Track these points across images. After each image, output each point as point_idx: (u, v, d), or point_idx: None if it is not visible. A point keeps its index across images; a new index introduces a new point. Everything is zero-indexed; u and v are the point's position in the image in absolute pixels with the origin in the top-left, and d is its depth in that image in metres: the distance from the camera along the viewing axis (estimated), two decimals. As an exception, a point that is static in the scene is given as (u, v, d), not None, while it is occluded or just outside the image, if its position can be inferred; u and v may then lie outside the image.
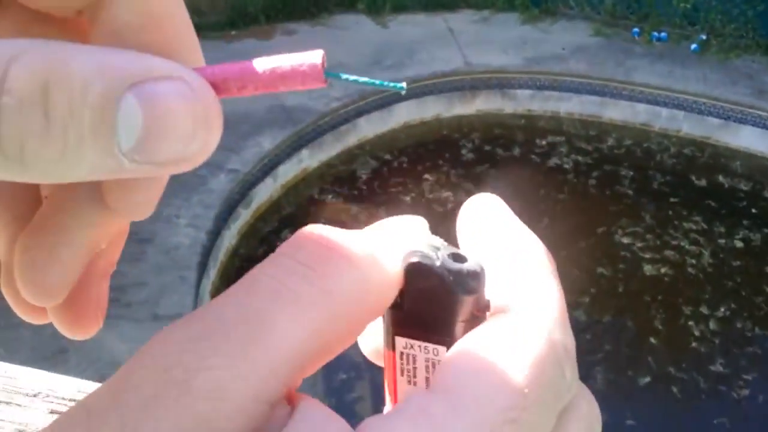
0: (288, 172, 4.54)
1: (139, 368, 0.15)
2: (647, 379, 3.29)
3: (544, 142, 4.96)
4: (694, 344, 3.47)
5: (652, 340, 3.50)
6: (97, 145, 0.16)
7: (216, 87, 0.19)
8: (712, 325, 3.55)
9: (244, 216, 4.21)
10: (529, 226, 0.22)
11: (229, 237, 4.04)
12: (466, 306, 0.19)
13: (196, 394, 0.15)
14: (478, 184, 4.50)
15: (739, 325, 3.57)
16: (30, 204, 0.23)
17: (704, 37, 5.47)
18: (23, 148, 0.15)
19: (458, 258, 0.19)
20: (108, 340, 2.83)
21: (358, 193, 4.55)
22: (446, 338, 0.20)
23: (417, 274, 0.19)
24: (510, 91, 5.21)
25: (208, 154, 0.18)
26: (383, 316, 0.21)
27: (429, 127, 5.11)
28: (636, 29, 5.64)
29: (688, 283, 3.83)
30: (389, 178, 4.66)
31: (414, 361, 0.21)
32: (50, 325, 0.24)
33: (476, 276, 0.19)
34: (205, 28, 5.64)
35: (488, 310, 0.20)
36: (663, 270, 3.87)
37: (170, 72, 0.17)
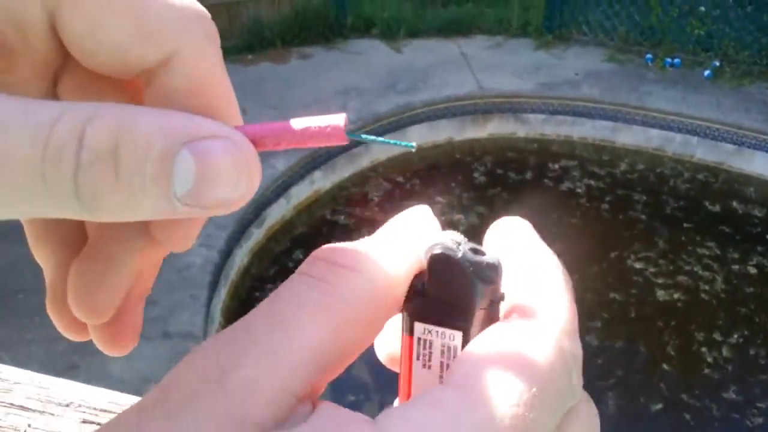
0: (301, 193, 4.58)
1: (182, 371, 0.18)
2: (659, 406, 3.25)
3: (556, 166, 4.97)
4: (707, 371, 3.43)
5: (665, 366, 3.46)
6: (157, 192, 0.19)
7: (254, 143, 0.22)
8: (725, 351, 3.51)
9: (256, 236, 4.24)
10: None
11: (241, 256, 4.06)
12: (484, 295, 0.21)
13: (230, 389, 0.17)
14: (490, 207, 4.51)
15: (752, 352, 3.52)
16: (77, 233, 0.26)
17: (718, 63, 5.47)
18: (95, 196, 0.18)
19: (477, 252, 0.22)
20: (117, 358, 2.84)
21: (370, 215, 4.57)
22: (463, 324, 0.22)
23: (440, 263, 0.21)
24: (523, 116, 5.23)
25: (249, 198, 0.21)
26: (403, 305, 0.22)
27: (441, 150, 5.14)
28: (649, 55, 5.66)
29: (701, 309, 3.79)
30: (401, 200, 4.67)
31: (430, 346, 0.22)
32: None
33: (494, 268, 0.21)
34: (222, 51, 5.73)
35: (503, 300, 0.22)
36: (676, 295, 3.84)
37: (217, 131, 0.20)
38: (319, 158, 4.66)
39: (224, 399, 0.17)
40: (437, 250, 0.21)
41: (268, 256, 4.24)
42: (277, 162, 4.50)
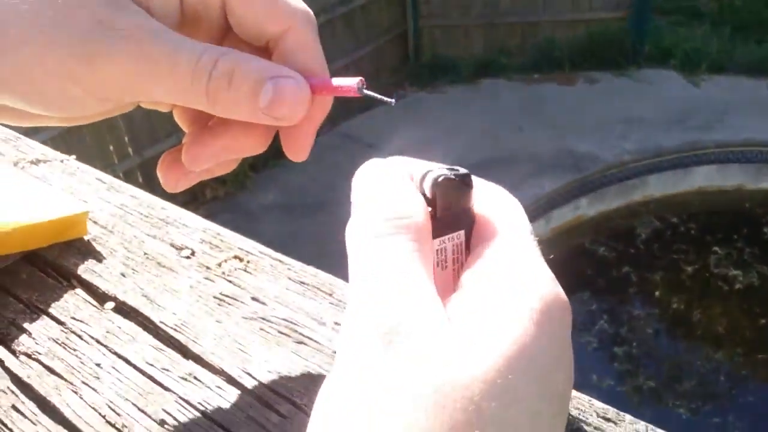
0: (562, 216, 4.49)
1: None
2: None
3: None
4: None
5: None
6: (249, 102, 0.32)
7: (312, 88, 0.34)
8: None
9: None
10: None
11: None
12: (471, 196, 0.29)
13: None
14: (776, 269, 3.99)
15: None
16: (206, 118, 0.40)
17: None
18: (216, 96, 0.32)
19: (453, 169, 0.29)
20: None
21: (633, 252, 4.32)
22: (465, 224, 0.29)
23: (441, 186, 0.28)
24: (837, 172, 4.54)
25: (301, 117, 0.34)
26: None
27: (728, 197, 4.66)
28: None
29: None
30: (671, 243, 4.35)
31: (445, 252, 0.29)
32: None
33: (470, 175, 0.29)
34: (509, 69, 5.83)
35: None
36: None
37: (291, 74, 0.33)
38: (589, 184, 4.52)
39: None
40: (439, 178, 0.28)
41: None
42: (544, 182, 4.46)
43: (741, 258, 4.15)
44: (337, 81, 0.34)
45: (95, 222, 0.56)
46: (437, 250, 0.29)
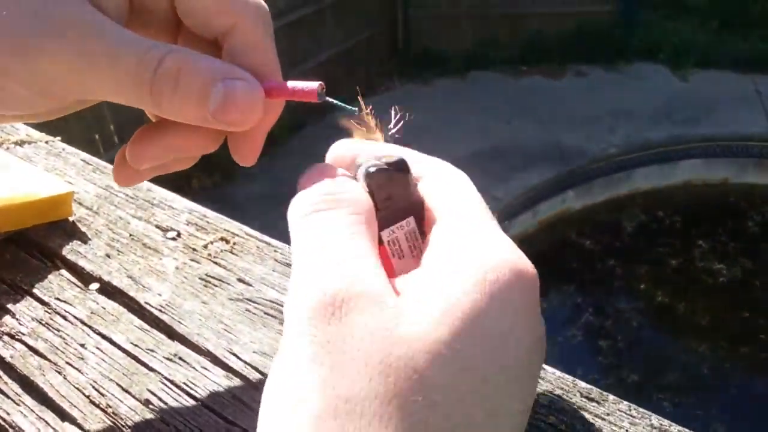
0: (549, 209, 4.50)
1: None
2: None
3: None
4: None
5: None
6: (197, 104, 0.30)
7: (266, 92, 0.31)
8: None
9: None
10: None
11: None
12: (410, 181, 0.29)
13: None
14: (758, 261, 4.03)
15: None
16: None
17: None
18: (161, 97, 0.29)
19: (387, 156, 0.29)
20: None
21: (619, 245, 4.35)
22: (411, 209, 0.29)
23: (377, 176, 0.28)
24: (821, 167, 4.59)
25: (251, 123, 0.31)
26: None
27: (714, 190, 4.70)
28: None
29: None
30: (657, 236, 4.38)
31: (398, 242, 0.29)
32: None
33: (404, 161, 0.29)
34: (498, 61, 5.83)
35: (417, 182, 0.30)
36: None
37: (243, 76, 0.31)
38: (576, 177, 4.55)
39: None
40: (370, 168, 0.28)
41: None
42: (531, 174, 4.48)
43: (726, 252, 4.18)
44: (293, 84, 0.32)
45: (80, 203, 0.55)
46: (388, 241, 0.29)
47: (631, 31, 5.85)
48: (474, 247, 0.26)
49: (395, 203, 0.29)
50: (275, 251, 0.50)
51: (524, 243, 4.36)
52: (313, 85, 0.31)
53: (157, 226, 0.53)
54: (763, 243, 4.24)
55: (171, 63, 0.29)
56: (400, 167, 0.29)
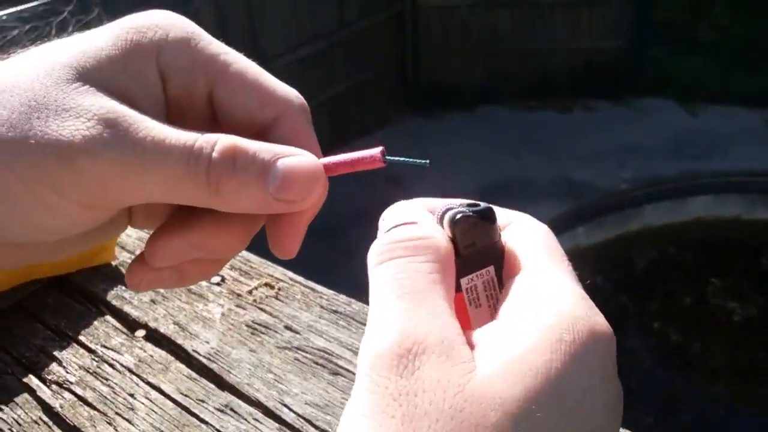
0: (560, 245, 4.48)
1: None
2: None
3: None
4: None
5: None
6: (257, 186, 0.28)
7: (328, 167, 0.30)
8: None
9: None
10: None
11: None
12: (495, 230, 0.28)
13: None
14: (773, 300, 3.99)
15: None
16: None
17: None
18: (219, 183, 0.28)
19: (474, 205, 0.28)
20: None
21: (632, 282, 4.32)
22: (492, 258, 0.28)
23: (462, 222, 0.28)
24: (833, 204, 4.56)
25: (314, 200, 0.30)
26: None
27: (726, 227, 4.68)
28: None
29: None
30: (669, 273, 4.35)
31: (476, 290, 0.28)
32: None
33: (491, 210, 0.28)
34: (507, 96, 5.87)
35: (502, 232, 0.29)
36: None
37: (300, 152, 0.30)
38: (586, 213, 4.54)
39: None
40: (457, 214, 0.28)
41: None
42: (541, 209, 4.47)
43: (739, 290, 4.15)
44: (352, 155, 0.30)
45: (123, 247, 0.55)
46: (467, 289, 0.28)
47: (641, 67, 5.89)
48: (552, 304, 0.25)
49: (478, 251, 0.28)
50: (321, 297, 0.49)
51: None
52: (375, 150, 0.30)
53: (201, 271, 0.52)
54: (777, 280, 4.20)
55: (227, 145, 0.28)
56: (487, 216, 0.28)
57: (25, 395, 0.43)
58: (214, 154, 0.28)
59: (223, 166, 0.28)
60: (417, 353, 0.24)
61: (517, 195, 4.60)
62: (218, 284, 0.51)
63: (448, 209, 0.29)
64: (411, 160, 0.31)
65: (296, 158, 0.29)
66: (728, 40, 6.01)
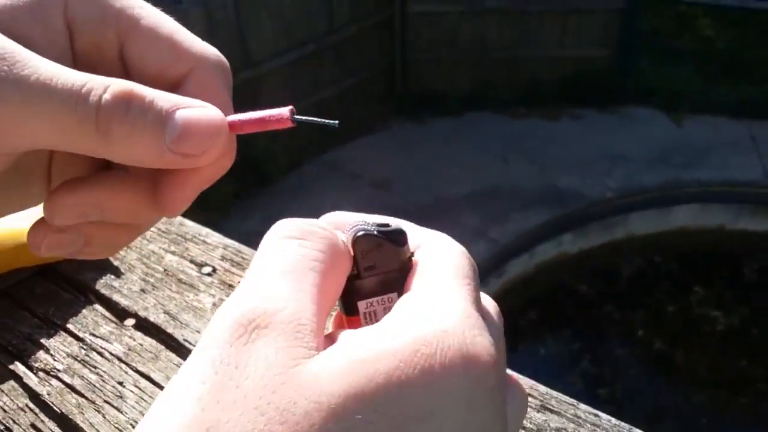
0: (546, 252, 4.50)
1: None
2: None
3: None
4: None
5: None
6: (152, 135, 0.26)
7: (234, 125, 0.29)
8: None
9: (493, 285, 4.25)
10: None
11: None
12: (403, 254, 0.26)
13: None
14: (756, 310, 4.03)
15: None
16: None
17: None
18: (109, 127, 0.26)
19: (385, 225, 0.27)
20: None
21: (616, 290, 4.34)
22: (397, 284, 0.26)
23: (364, 241, 0.26)
24: (815, 215, 4.62)
25: (212, 157, 0.28)
26: (340, 296, 0.26)
27: (710, 236, 4.72)
28: None
29: None
30: (654, 282, 4.37)
31: (375, 315, 0.27)
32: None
33: (402, 232, 0.26)
34: (495, 103, 5.89)
35: (412, 256, 0.27)
36: None
37: (203, 104, 0.28)
38: (573, 221, 4.56)
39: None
40: (359, 232, 0.26)
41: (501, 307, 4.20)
42: (528, 216, 4.49)
43: (722, 300, 4.18)
44: (262, 113, 0.29)
45: (112, 236, 0.54)
46: (365, 314, 0.27)
47: (626, 76, 5.94)
48: (426, 318, 0.23)
49: (381, 274, 0.26)
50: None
51: (521, 286, 4.36)
52: (285, 109, 0.28)
53: (192, 261, 0.52)
54: (760, 291, 4.24)
55: (119, 89, 0.26)
56: (394, 238, 0.26)
57: (12, 382, 0.42)
58: (106, 96, 0.26)
59: (115, 109, 0.26)
60: (259, 326, 0.22)
61: (505, 201, 4.61)
62: (209, 275, 0.50)
63: (355, 226, 0.27)
64: (320, 120, 0.29)
65: (198, 110, 0.27)
66: (713, 51, 6.08)
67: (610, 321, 4.11)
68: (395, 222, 0.28)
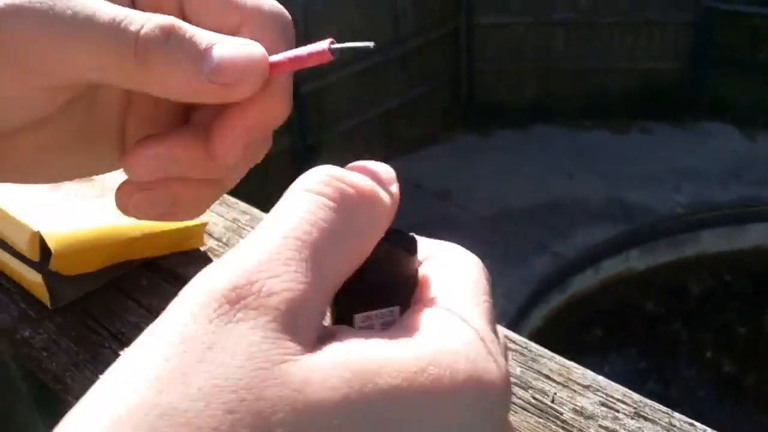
0: (611, 267, 4.41)
1: None
2: None
3: None
4: None
5: None
6: (191, 62, 0.26)
7: (274, 64, 0.28)
8: None
9: (556, 300, 4.19)
10: None
11: (535, 319, 4.03)
12: (411, 264, 0.24)
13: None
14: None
15: None
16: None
17: None
18: (147, 54, 0.26)
19: (396, 231, 0.24)
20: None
21: (684, 309, 4.21)
22: (398, 299, 0.24)
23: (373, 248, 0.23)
24: None
25: (254, 89, 0.27)
26: (333, 304, 0.23)
27: (785, 256, 4.53)
28: None
29: None
30: (725, 302, 4.22)
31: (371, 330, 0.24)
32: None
33: (413, 240, 0.24)
34: (561, 115, 5.82)
35: (419, 267, 0.25)
36: None
37: (244, 41, 0.27)
38: (640, 236, 4.45)
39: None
40: None
41: (562, 326, 4.14)
42: (593, 231, 4.41)
43: (799, 320, 4.01)
44: (302, 49, 0.28)
45: (210, 234, 0.57)
46: (360, 328, 0.24)
47: (699, 90, 5.77)
48: (439, 336, 0.21)
49: (385, 284, 0.24)
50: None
51: (586, 302, 4.27)
52: (323, 43, 0.27)
53: (286, 260, 0.54)
54: (840, 313, 4.04)
55: (160, 21, 0.26)
56: (404, 245, 0.24)
57: (123, 368, 0.44)
58: (146, 27, 0.26)
59: (154, 39, 0.26)
60: (247, 305, 0.19)
61: (570, 215, 4.54)
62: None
63: None
64: (356, 44, 0.27)
65: (237, 45, 0.27)
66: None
67: (678, 340, 3.99)
68: (408, 233, 0.26)
